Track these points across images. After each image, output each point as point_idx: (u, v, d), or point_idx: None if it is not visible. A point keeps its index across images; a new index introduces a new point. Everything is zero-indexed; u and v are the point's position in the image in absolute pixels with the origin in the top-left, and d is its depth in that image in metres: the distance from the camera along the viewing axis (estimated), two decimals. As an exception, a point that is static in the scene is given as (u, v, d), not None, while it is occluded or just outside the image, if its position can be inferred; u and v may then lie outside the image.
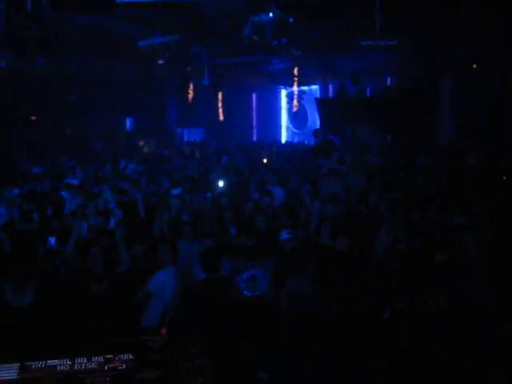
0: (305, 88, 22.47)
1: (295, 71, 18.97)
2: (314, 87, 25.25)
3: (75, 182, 11.72)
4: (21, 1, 9.51)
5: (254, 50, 14.00)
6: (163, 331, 3.73)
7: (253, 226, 7.74)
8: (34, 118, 18.97)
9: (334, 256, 6.02)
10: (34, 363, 3.23)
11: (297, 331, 4.07)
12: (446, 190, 10.30)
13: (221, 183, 10.76)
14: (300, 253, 5.99)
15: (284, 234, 7.43)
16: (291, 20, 10.81)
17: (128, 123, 25.19)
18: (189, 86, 20.08)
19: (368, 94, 21.79)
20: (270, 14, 10.80)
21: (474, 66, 17.05)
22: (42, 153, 17.00)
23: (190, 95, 20.30)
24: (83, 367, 3.26)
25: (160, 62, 14.58)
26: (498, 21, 11.90)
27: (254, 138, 28.08)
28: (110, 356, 3.32)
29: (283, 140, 27.23)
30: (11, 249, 7.16)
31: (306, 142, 23.16)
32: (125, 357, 3.33)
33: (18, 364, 3.23)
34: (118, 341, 3.48)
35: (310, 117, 25.62)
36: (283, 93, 26.67)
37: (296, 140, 25.79)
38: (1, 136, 16.66)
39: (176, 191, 10.53)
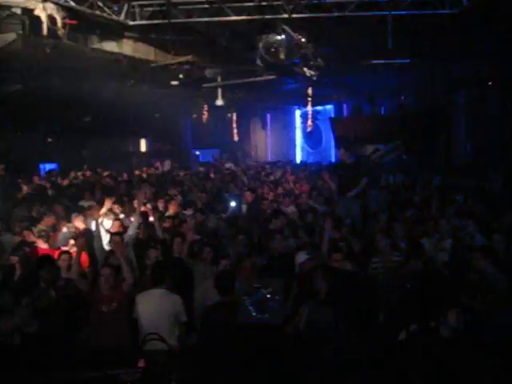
0: (319, 108, 22.49)
1: (309, 91, 18.99)
2: (329, 107, 25.26)
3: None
4: (37, 24, 9.61)
5: (267, 70, 14.03)
6: (141, 363, 3.57)
7: (265, 246, 7.66)
8: (49, 140, 19.16)
9: (346, 278, 5.92)
10: None
11: (315, 357, 3.97)
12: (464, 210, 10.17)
13: (233, 203, 10.72)
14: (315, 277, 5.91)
15: (301, 256, 7.30)
16: (304, 40, 10.82)
17: (143, 145, 25.34)
18: (203, 107, 20.16)
19: (383, 113, 21.77)
20: (283, 35, 10.82)
21: (490, 83, 16.98)
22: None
23: (205, 116, 20.38)
24: None
25: (174, 83, 14.68)
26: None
27: (269, 158, 28.10)
28: None
29: (298, 159, 27.19)
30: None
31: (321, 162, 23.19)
32: None
33: None
34: (92, 375, 3.27)
35: (324, 136, 25.62)
36: (297, 113, 26.72)
37: (311, 159, 25.76)
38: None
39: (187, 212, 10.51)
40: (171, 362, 3.80)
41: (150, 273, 6.57)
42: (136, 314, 6.00)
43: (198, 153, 27.94)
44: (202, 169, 20.37)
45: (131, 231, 8.47)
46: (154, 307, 5.89)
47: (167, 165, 21.32)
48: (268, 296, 3.52)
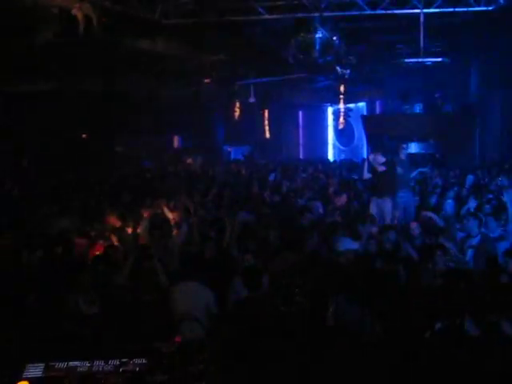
0: (351, 105, 22.37)
1: (341, 88, 18.96)
2: (361, 104, 25.13)
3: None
4: (73, 24, 9.83)
5: (299, 68, 14.09)
6: (177, 339, 3.98)
7: (298, 241, 7.73)
8: (84, 135, 19.48)
9: (378, 275, 5.96)
10: (57, 363, 3.58)
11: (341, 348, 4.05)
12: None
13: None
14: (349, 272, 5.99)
15: (346, 243, 7.37)
16: (335, 38, 10.85)
17: (176, 142, 25.58)
18: (235, 104, 20.27)
19: (416, 111, 21.56)
20: (316, 33, 10.86)
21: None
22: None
23: (237, 113, 20.48)
24: (100, 369, 3.56)
25: (207, 80, 14.84)
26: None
27: (301, 156, 28.09)
28: (125, 360, 3.60)
29: (330, 157, 27.12)
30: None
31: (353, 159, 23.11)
32: (139, 361, 3.59)
33: (44, 364, 3.57)
34: (135, 346, 3.79)
35: (356, 134, 25.51)
36: (330, 110, 26.65)
37: (343, 157, 25.68)
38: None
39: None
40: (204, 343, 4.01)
41: (183, 266, 6.71)
42: (171, 304, 6.12)
43: (229, 149, 28.07)
44: (232, 166, 20.50)
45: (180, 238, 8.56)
46: (190, 298, 6.03)
47: (199, 161, 21.52)
48: (295, 290, 3.62)
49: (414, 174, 12.17)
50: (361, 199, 11.82)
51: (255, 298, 5.23)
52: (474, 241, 7.83)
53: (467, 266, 7.18)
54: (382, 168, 10.35)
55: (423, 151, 19.99)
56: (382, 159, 10.47)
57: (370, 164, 10.64)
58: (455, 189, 11.76)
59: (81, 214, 10.17)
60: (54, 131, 16.86)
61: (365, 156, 24.46)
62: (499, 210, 9.43)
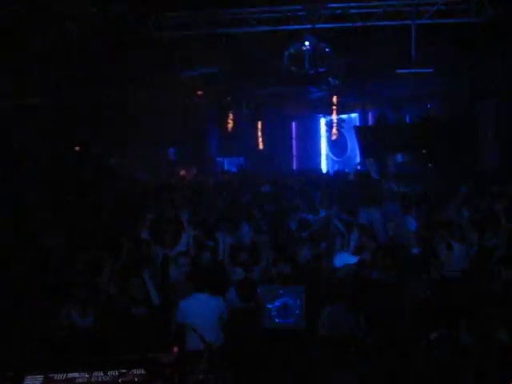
0: (344, 116, 22.47)
1: (334, 99, 19.05)
2: (354, 115, 25.23)
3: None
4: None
5: (292, 79, 14.14)
6: (175, 349, 3.95)
7: (293, 254, 7.72)
8: (77, 148, 19.41)
9: (371, 285, 5.96)
10: (56, 375, 3.56)
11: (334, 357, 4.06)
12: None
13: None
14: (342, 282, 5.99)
15: (345, 258, 7.38)
16: (328, 50, 10.91)
17: (170, 153, 25.56)
18: (229, 116, 20.33)
19: (408, 120, 21.63)
20: (307, 44, 10.93)
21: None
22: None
23: (230, 124, 20.53)
24: (99, 380, 3.56)
25: (200, 92, 14.89)
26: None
27: (294, 167, 28.12)
28: (124, 371, 3.59)
29: (323, 168, 27.16)
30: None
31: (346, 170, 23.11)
32: (137, 371, 3.59)
33: (42, 376, 3.55)
34: (133, 357, 3.77)
35: (349, 145, 25.58)
36: (323, 121, 26.74)
37: (336, 168, 25.72)
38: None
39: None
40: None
41: (189, 278, 6.65)
42: (181, 318, 6.08)
43: (223, 161, 28.05)
44: (225, 176, 20.52)
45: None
46: (202, 310, 5.96)
47: (193, 173, 21.52)
48: (290, 302, 3.62)
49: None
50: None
51: (249, 310, 5.23)
52: (472, 251, 7.90)
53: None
54: (375, 175, 10.35)
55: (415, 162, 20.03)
56: (375, 165, 10.48)
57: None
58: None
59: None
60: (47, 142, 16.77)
61: (358, 167, 24.54)
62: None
